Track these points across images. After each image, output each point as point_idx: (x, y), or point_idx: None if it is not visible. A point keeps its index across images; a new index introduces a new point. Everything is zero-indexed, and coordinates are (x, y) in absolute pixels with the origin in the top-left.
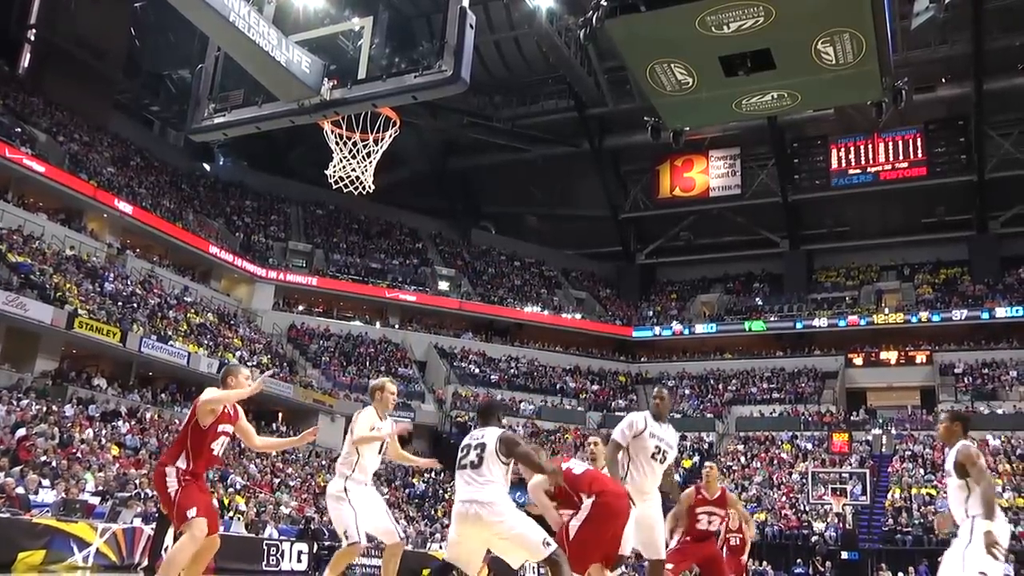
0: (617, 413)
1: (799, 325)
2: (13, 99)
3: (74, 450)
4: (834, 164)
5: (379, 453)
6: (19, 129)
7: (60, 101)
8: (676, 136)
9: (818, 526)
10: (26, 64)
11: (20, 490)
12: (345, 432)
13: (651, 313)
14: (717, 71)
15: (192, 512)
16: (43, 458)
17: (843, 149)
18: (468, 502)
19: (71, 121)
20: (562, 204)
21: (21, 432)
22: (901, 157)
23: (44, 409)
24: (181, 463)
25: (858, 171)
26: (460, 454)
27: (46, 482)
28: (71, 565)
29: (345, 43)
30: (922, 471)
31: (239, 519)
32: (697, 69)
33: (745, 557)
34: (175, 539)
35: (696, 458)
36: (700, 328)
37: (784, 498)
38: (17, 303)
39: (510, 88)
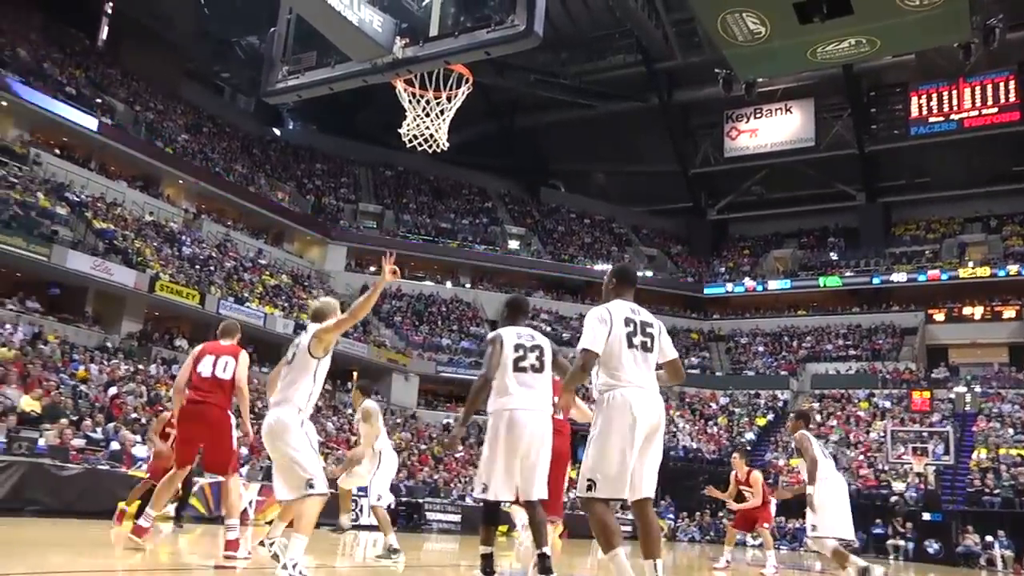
0: (689, 371)
1: (876, 280)
2: (93, 71)
3: (161, 408)
4: (914, 112)
5: None
6: (99, 100)
7: (135, 71)
8: (748, 88)
9: (898, 486)
10: (104, 37)
11: (115, 445)
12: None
13: (723, 269)
14: (791, 18)
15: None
16: (133, 415)
17: (924, 96)
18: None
19: (146, 90)
20: (631, 160)
21: (113, 391)
22: (990, 102)
23: (132, 369)
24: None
25: (940, 119)
26: (515, 354)
27: (138, 437)
28: (164, 515)
29: (411, 2)
30: (1011, 431)
31: None
32: (770, 17)
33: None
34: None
35: (770, 416)
36: (773, 284)
37: (862, 457)
38: (103, 268)
39: (576, 44)
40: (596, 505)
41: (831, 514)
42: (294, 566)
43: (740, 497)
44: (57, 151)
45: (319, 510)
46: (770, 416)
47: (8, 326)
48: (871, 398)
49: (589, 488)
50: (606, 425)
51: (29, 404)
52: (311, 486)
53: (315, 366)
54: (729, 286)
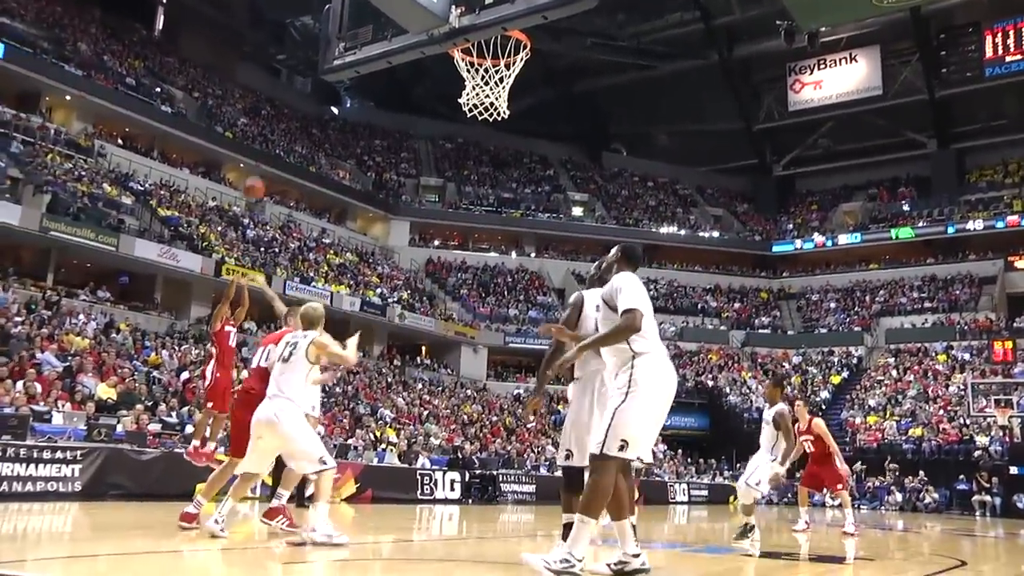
0: (760, 331)
1: (951, 229)
2: (152, 60)
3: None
4: (988, 52)
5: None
6: (158, 89)
7: (192, 58)
8: (811, 38)
9: (981, 440)
10: (160, 26)
11: (190, 428)
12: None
13: (791, 226)
14: None
15: None
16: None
17: (999, 34)
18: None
19: (203, 77)
20: (693, 120)
21: (185, 375)
22: None
23: (202, 353)
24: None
25: (1018, 57)
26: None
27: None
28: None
29: None
30: None
31: (392, 450)
32: None
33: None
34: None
35: (845, 373)
36: (843, 239)
37: (941, 412)
38: (170, 255)
39: (632, 4)
40: (616, 466)
41: (769, 477)
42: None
43: (804, 457)
44: (120, 142)
45: (331, 482)
46: (845, 373)
47: (81, 316)
48: (949, 351)
49: (621, 448)
50: (648, 388)
51: (105, 391)
52: (323, 462)
53: (308, 369)
54: (798, 243)
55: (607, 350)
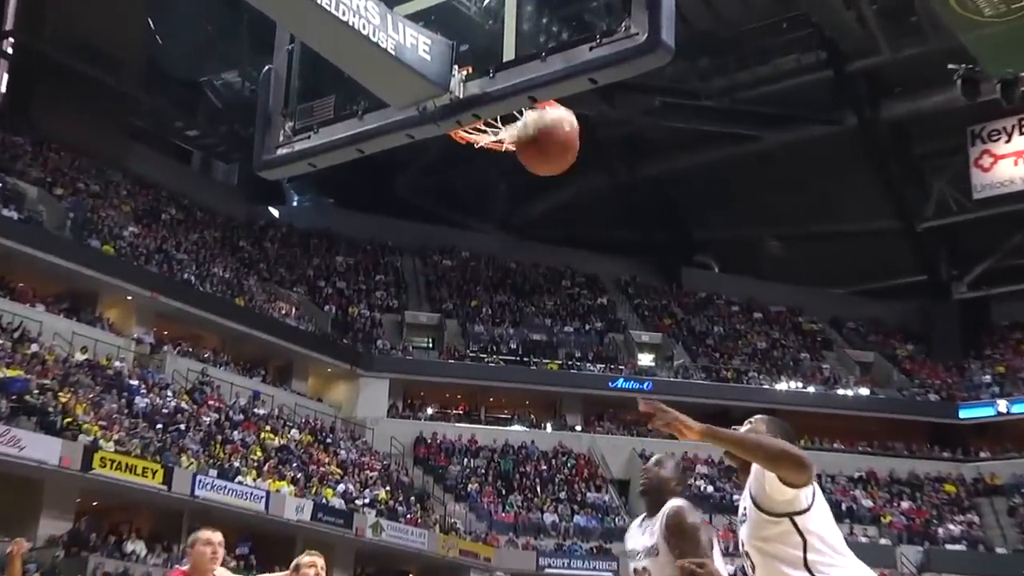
0: (948, 547)
1: None
2: None
3: None
4: None
5: None
6: (0, 184)
7: (55, 137)
8: (1006, 88)
9: None
10: (4, 89)
11: None
12: None
13: (988, 378)
14: None
15: None
16: None
17: None
18: None
19: (72, 165)
20: (820, 217)
21: None
22: None
23: None
24: None
25: None
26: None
27: None
28: None
29: (467, 5)
30: None
31: None
32: None
33: None
34: None
35: None
36: None
37: None
38: (9, 439)
39: (722, 45)
40: None
41: None
42: None
43: None
44: None
45: None
46: None
47: None
48: None
49: None
50: None
51: None
52: None
53: None
54: (1001, 404)
55: (765, 567)
